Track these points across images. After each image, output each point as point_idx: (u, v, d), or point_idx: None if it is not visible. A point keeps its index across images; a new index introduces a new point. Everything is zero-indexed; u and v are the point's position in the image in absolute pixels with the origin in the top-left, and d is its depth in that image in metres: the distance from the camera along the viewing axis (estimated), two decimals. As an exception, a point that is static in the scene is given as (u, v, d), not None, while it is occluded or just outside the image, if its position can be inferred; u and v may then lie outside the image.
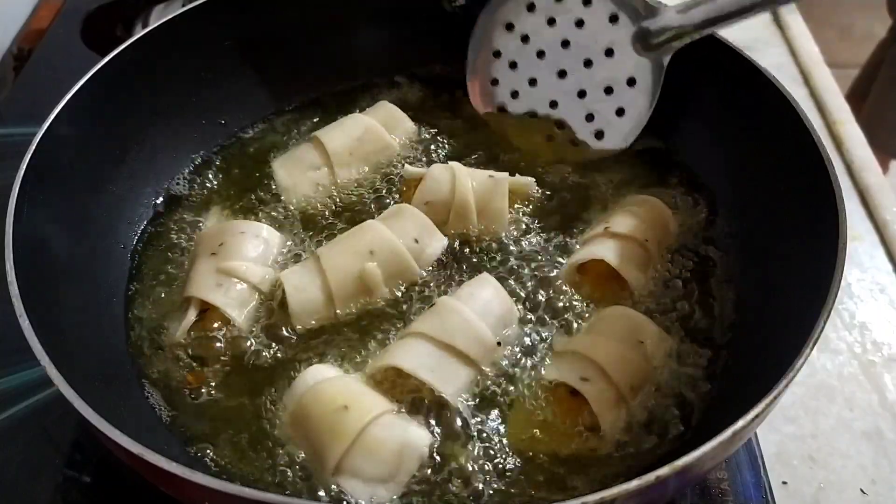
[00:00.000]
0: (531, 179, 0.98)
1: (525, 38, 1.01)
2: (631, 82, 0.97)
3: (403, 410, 0.77)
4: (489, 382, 0.80)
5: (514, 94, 1.05)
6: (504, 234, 0.94)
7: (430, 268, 0.91)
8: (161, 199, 1.01)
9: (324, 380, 0.77)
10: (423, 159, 1.04)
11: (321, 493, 0.72)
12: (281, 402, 0.79)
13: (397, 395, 0.78)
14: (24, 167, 0.80)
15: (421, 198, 0.94)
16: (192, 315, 0.84)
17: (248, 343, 0.85)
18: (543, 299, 0.88)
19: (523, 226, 0.96)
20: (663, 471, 0.57)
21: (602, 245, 0.88)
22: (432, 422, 0.77)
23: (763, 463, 0.86)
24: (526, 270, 0.91)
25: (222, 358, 0.84)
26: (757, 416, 0.61)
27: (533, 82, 1.03)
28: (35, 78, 1.38)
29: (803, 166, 0.81)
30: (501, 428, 0.78)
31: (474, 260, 0.92)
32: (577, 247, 0.92)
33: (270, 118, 1.12)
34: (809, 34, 1.50)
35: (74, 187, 0.88)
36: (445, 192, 0.93)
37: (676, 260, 0.92)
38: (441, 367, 0.77)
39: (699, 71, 0.96)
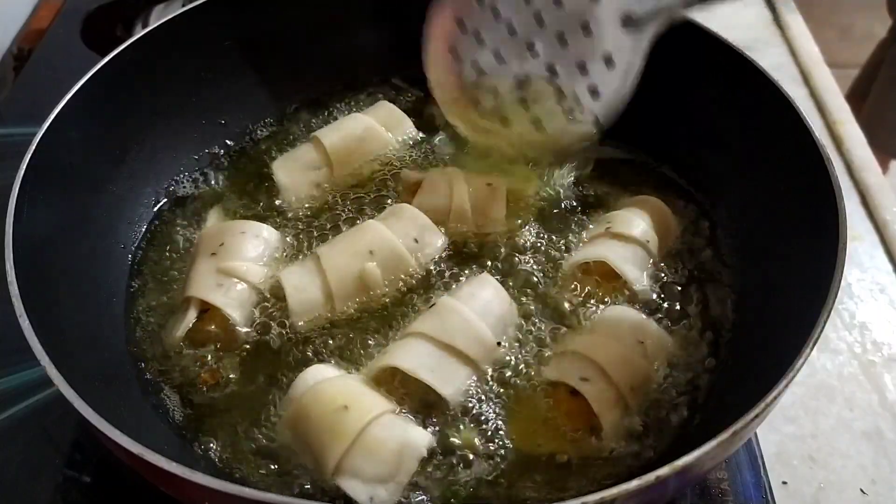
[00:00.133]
0: (532, 183, 0.98)
1: (495, 12, 0.89)
2: (608, 61, 0.87)
3: (403, 410, 0.77)
4: (489, 382, 0.80)
5: (477, 69, 0.92)
6: (503, 236, 0.94)
7: (430, 268, 0.91)
8: (161, 199, 1.01)
9: (324, 380, 0.77)
10: (423, 160, 1.04)
11: (321, 493, 0.72)
12: (281, 402, 0.79)
13: (397, 395, 0.78)
14: (24, 167, 0.79)
15: (419, 203, 0.94)
16: (192, 315, 0.84)
17: (248, 343, 0.85)
18: (544, 299, 0.88)
19: (523, 226, 0.96)
20: (663, 471, 0.57)
21: (603, 245, 0.88)
22: (432, 422, 0.77)
23: (763, 463, 0.86)
24: (526, 270, 0.91)
25: (221, 357, 0.84)
26: (757, 416, 0.61)
27: (499, 57, 0.91)
28: (35, 78, 1.38)
29: (803, 166, 0.81)
30: (501, 428, 0.78)
31: (474, 260, 0.92)
32: (578, 247, 0.92)
33: (270, 118, 1.12)
34: (809, 34, 1.50)
35: (74, 187, 0.88)
36: (443, 199, 0.93)
37: (677, 260, 0.92)
38: (441, 367, 0.77)
39: (699, 71, 0.96)
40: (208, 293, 0.85)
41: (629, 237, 0.88)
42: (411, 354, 0.78)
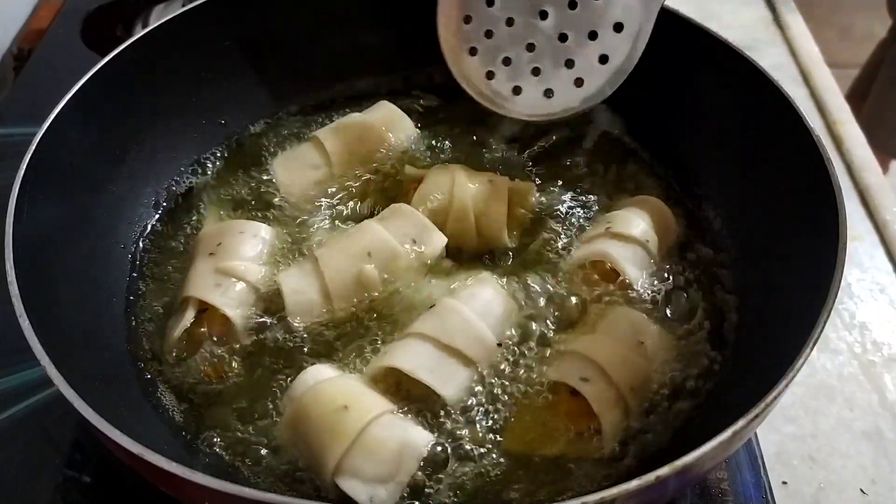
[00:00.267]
0: (531, 184, 0.98)
1: None
2: (618, 27, 0.90)
3: (403, 410, 0.77)
4: (489, 383, 0.80)
5: (488, 34, 0.96)
6: (504, 235, 0.94)
7: (430, 267, 0.91)
8: (161, 199, 1.01)
9: (323, 380, 0.77)
10: (423, 160, 1.04)
11: (321, 493, 0.72)
12: (280, 402, 0.79)
13: (397, 395, 0.78)
14: (24, 167, 0.79)
15: (420, 200, 0.94)
16: (190, 315, 0.84)
17: (247, 343, 0.85)
18: (544, 299, 0.88)
19: (523, 227, 0.96)
20: (663, 471, 0.57)
21: (603, 245, 0.88)
22: (432, 422, 0.77)
23: (763, 463, 0.86)
24: (526, 270, 0.91)
25: (220, 357, 0.84)
26: (757, 416, 0.61)
27: (510, 22, 0.95)
28: (35, 78, 1.38)
29: (803, 166, 0.81)
30: (501, 428, 0.78)
31: (474, 260, 0.92)
32: (578, 247, 0.92)
33: (270, 118, 1.12)
34: (809, 34, 1.50)
35: (74, 187, 0.88)
36: (444, 195, 0.93)
37: (677, 260, 0.92)
38: (441, 368, 0.77)
39: (699, 71, 0.96)
40: (206, 293, 0.85)
41: (629, 237, 0.88)
42: (411, 355, 0.78)
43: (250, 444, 0.77)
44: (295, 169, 1.01)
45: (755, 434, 0.88)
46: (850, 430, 0.92)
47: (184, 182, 1.03)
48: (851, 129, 1.29)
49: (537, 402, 0.79)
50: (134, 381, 0.82)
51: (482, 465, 0.75)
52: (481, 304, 0.82)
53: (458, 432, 0.77)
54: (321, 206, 0.99)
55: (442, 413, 0.78)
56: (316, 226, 0.96)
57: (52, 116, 0.85)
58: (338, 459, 0.70)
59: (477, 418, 0.78)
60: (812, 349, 0.64)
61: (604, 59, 0.93)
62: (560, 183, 1.01)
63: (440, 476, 0.74)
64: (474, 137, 1.08)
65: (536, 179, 1.00)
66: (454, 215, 0.93)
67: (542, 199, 0.98)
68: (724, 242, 0.93)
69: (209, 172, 1.04)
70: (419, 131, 1.07)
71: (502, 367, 0.82)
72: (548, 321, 0.86)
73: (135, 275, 0.93)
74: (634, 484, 0.56)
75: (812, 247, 0.75)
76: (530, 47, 0.96)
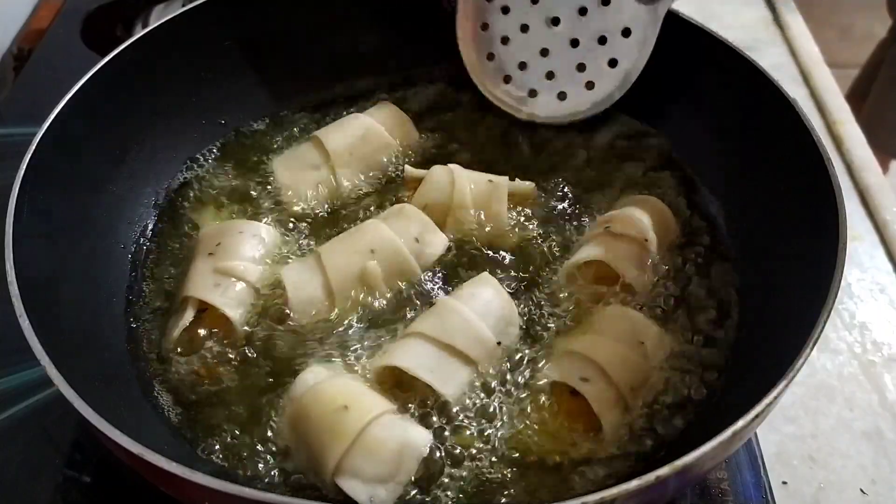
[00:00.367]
0: (531, 184, 0.98)
1: None
2: (626, 33, 0.96)
3: (403, 410, 0.77)
4: (489, 382, 0.80)
5: (504, 40, 1.03)
6: (504, 235, 0.94)
7: (431, 267, 0.91)
8: (161, 199, 1.01)
9: (323, 380, 0.77)
10: (424, 160, 1.04)
11: (321, 493, 0.72)
12: (280, 402, 0.79)
13: (397, 395, 0.78)
14: (24, 167, 0.80)
15: (420, 200, 0.94)
16: (189, 315, 0.84)
17: (247, 342, 0.85)
18: (544, 299, 0.88)
19: (523, 227, 0.96)
20: (663, 471, 0.57)
21: (602, 245, 0.88)
22: (432, 422, 0.77)
23: (763, 463, 0.86)
24: (526, 270, 0.91)
25: (220, 357, 0.84)
26: (757, 416, 0.61)
27: (525, 28, 1.01)
28: (35, 78, 1.38)
29: (803, 166, 0.81)
30: (501, 428, 0.78)
31: (475, 260, 0.92)
32: (578, 247, 0.92)
33: (270, 118, 1.12)
34: (809, 34, 1.50)
35: (74, 187, 0.88)
36: (444, 195, 0.93)
37: (676, 260, 0.92)
38: (441, 367, 0.77)
39: (699, 71, 0.96)
40: (206, 293, 0.85)
41: (628, 236, 0.88)
42: (411, 354, 0.78)
43: (250, 444, 0.77)
44: (295, 169, 1.01)
45: (755, 434, 0.88)
46: (850, 430, 0.92)
47: (184, 182, 1.03)
48: (851, 129, 1.29)
49: (537, 401, 0.79)
50: (134, 381, 0.82)
51: (482, 465, 0.75)
52: (481, 304, 0.82)
53: (458, 432, 0.77)
54: (321, 205, 0.99)
55: (442, 413, 0.78)
56: (316, 225, 0.96)
57: (52, 116, 0.85)
58: (338, 459, 0.70)
59: (477, 418, 0.78)
60: (812, 349, 0.64)
61: (613, 63, 0.98)
62: (560, 183, 1.01)
63: (440, 476, 0.74)
64: (474, 137, 1.08)
65: (537, 179, 1.00)
66: (454, 215, 0.93)
67: (542, 198, 0.98)
68: (724, 242, 0.93)
69: (209, 172, 1.04)
70: (419, 131, 1.07)
71: (502, 366, 0.82)
72: (548, 321, 0.86)
73: (135, 275, 0.93)
74: (634, 484, 0.56)
75: (812, 247, 0.75)
76: (544, 52, 1.02)
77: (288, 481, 0.74)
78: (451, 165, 0.97)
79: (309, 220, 0.97)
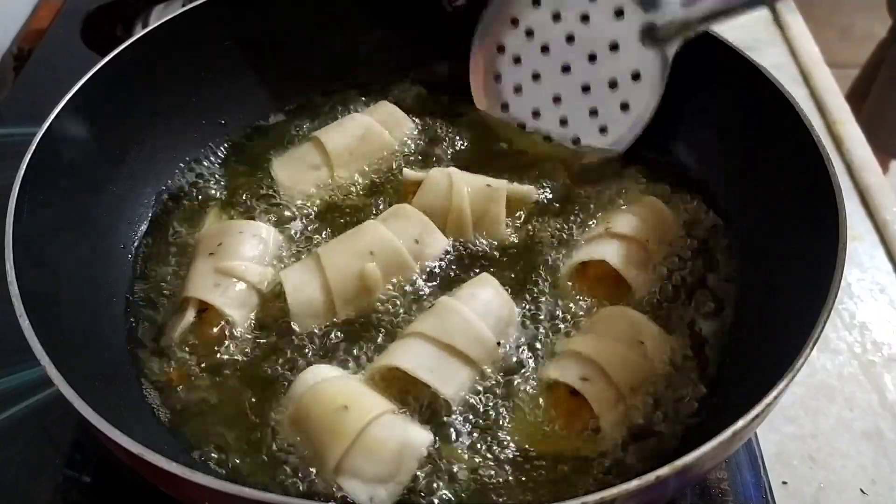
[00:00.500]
0: (530, 188, 0.97)
1: (530, 33, 1.01)
2: (636, 76, 0.96)
3: (403, 410, 0.77)
4: (489, 382, 0.80)
5: (517, 90, 1.04)
6: (503, 237, 0.94)
7: (431, 268, 0.91)
8: (161, 199, 1.01)
9: (323, 380, 0.77)
10: (423, 160, 1.04)
11: (321, 493, 0.72)
12: (280, 401, 0.79)
13: (397, 395, 0.78)
14: (24, 167, 0.80)
15: (418, 203, 0.94)
16: (190, 315, 0.84)
17: (247, 343, 0.85)
18: (543, 299, 0.88)
19: (522, 228, 0.96)
20: (663, 471, 0.57)
21: (602, 245, 0.88)
22: (432, 422, 0.77)
23: (763, 463, 0.86)
24: (526, 270, 0.91)
25: (221, 357, 0.84)
26: (757, 416, 0.61)
27: (536, 77, 1.03)
28: (35, 78, 1.38)
29: (803, 166, 0.81)
30: (502, 428, 0.78)
31: (474, 260, 0.92)
32: (578, 247, 0.92)
33: (270, 118, 1.12)
34: (809, 34, 1.50)
35: (74, 187, 0.88)
36: (442, 198, 0.93)
37: (676, 260, 0.92)
38: (441, 368, 0.77)
39: (699, 71, 0.96)
40: (206, 293, 0.85)
41: (628, 237, 0.88)
42: (411, 354, 0.78)
43: (250, 444, 0.77)
44: (295, 169, 1.01)
45: (755, 434, 0.88)
46: (850, 430, 0.92)
47: (184, 182, 1.03)
48: (851, 129, 1.29)
49: (537, 401, 0.79)
50: (134, 381, 0.82)
51: (481, 465, 0.75)
52: (481, 304, 0.82)
53: (457, 432, 0.77)
54: (321, 206, 0.99)
55: (442, 413, 0.78)
56: (316, 226, 0.96)
57: (52, 116, 0.85)
58: (338, 459, 0.70)
59: (477, 418, 0.78)
60: (812, 349, 0.64)
61: (625, 108, 0.99)
62: (559, 183, 1.01)
63: (440, 476, 0.74)
64: (474, 139, 1.08)
65: (535, 181, 1.00)
66: (453, 216, 0.93)
67: (542, 199, 0.98)
68: (724, 242, 0.93)
69: (209, 172, 1.04)
70: (419, 132, 1.07)
71: (502, 366, 0.82)
72: (547, 321, 0.86)
73: (135, 275, 0.93)
74: (634, 484, 0.56)
75: (812, 247, 0.75)
76: (557, 99, 1.03)
77: (287, 481, 0.74)
78: (449, 168, 0.97)
79: (308, 220, 0.97)
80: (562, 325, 0.85)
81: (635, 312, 0.84)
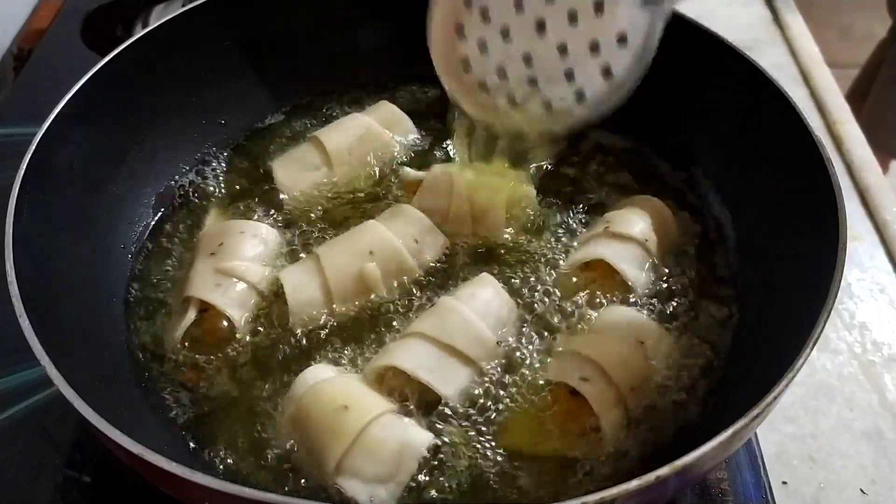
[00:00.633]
0: (531, 188, 0.97)
1: None
2: (622, 40, 0.83)
3: (403, 411, 0.77)
4: (489, 382, 0.80)
5: (483, 48, 0.86)
6: (503, 236, 0.94)
7: (430, 268, 0.91)
8: (161, 199, 1.01)
9: (323, 380, 0.77)
10: (423, 160, 1.04)
11: (321, 493, 0.72)
12: (280, 402, 0.79)
13: (397, 395, 0.78)
14: (24, 167, 0.79)
15: (419, 203, 0.94)
16: (191, 315, 0.84)
17: (247, 343, 0.85)
18: (543, 299, 0.88)
19: (522, 228, 0.96)
20: (663, 471, 0.57)
21: (602, 245, 0.88)
22: (432, 422, 0.77)
23: (763, 463, 0.86)
24: (526, 270, 0.91)
25: (221, 357, 0.84)
26: (757, 416, 0.61)
27: (507, 35, 0.85)
28: (35, 78, 1.38)
29: (803, 166, 0.81)
30: (502, 428, 0.78)
31: (474, 260, 0.92)
32: (577, 247, 0.92)
33: (270, 118, 1.12)
34: (809, 34, 1.50)
35: (74, 187, 0.88)
36: (442, 198, 0.93)
37: (676, 260, 0.92)
38: (441, 368, 0.77)
39: (699, 71, 0.96)
40: (207, 293, 0.85)
41: (628, 237, 0.88)
42: (411, 354, 0.78)
43: (250, 444, 0.77)
44: (295, 169, 1.01)
45: (755, 434, 0.88)
46: (850, 430, 0.92)
47: (184, 182, 1.03)
48: (851, 129, 1.29)
49: (537, 401, 0.79)
50: (134, 381, 0.82)
51: (482, 465, 0.75)
52: (481, 304, 0.82)
53: (457, 432, 0.77)
54: (321, 206, 0.99)
55: (441, 413, 0.78)
56: (316, 226, 0.96)
57: (52, 116, 0.85)
58: (338, 459, 0.70)
59: (476, 418, 0.78)
60: (812, 349, 0.64)
61: (606, 73, 0.85)
62: (559, 183, 1.01)
63: (440, 476, 0.74)
64: (474, 138, 1.08)
65: (535, 180, 1.00)
66: (453, 216, 0.93)
67: (542, 199, 0.98)
68: (724, 242, 0.93)
69: (209, 172, 1.04)
70: (419, 131, 1.07)
71: (502, 366, 0.82)
72: (547, 321, 0.86)
73: (135, 275, 0.93)
74: (634, 484, 0.56)
75: (812, 247, 0.75)
76: (528, 60, 0.86)
77: (287, 481, 0.74)
78: (449, 167, 0.97)
79: (308, 220, 0.97)
80: (561, 325, 0.85)
81: (635, 312, 0.84)
